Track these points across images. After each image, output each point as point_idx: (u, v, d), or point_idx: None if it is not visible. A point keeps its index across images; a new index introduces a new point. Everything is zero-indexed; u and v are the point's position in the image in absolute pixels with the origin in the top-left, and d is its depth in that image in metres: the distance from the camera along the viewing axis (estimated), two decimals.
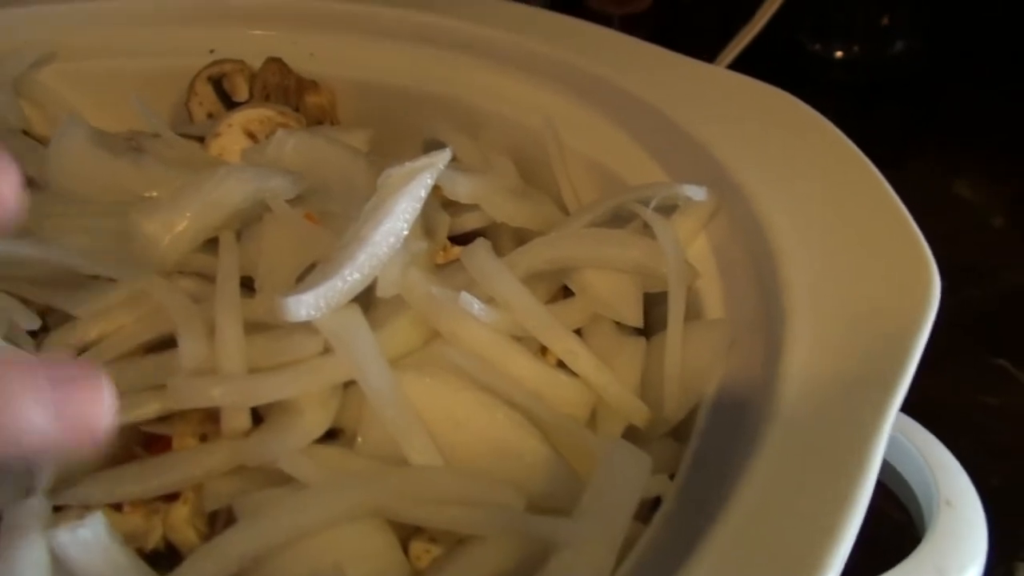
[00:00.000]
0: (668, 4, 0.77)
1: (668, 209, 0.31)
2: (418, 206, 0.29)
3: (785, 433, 0.23)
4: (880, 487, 0.33)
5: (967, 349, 0.56)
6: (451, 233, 0.32)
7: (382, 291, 0.28)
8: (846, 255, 0.28)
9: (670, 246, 0.29)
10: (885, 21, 0.75)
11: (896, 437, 0.31)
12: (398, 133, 0.38)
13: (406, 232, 0.28)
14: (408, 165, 0.29)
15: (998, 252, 0.61)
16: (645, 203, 0.31)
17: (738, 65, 0.62)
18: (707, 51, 0.62)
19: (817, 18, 0.76)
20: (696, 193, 0.30)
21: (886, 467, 0.32)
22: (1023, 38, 0.78)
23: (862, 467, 0.22)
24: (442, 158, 0.30)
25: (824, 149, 0.31)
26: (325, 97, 0.39)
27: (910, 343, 0.25)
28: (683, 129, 0.33)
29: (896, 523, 0.34)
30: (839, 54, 0.75)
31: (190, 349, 0.27)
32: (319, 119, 0.38)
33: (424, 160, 0.29)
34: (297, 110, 0.38)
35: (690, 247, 0.31)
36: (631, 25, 0.76)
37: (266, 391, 0.26)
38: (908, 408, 0.53)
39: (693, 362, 0.28)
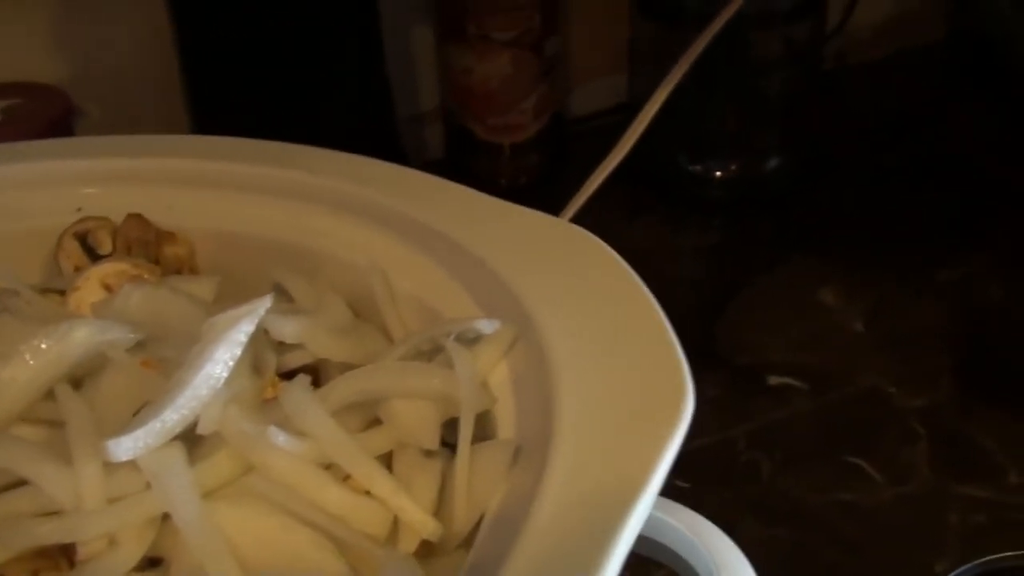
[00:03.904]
0: (555, 130, 0.81)
1: (475, 340, 0.35)
2: (238, 351, 0.32)
3: (535, 543, 0.27)
4: None
5: (825, 448, 0.60)
6: (281, 370, 0.36)
7: (202, 429, 0.31)
8: (613, 377, 0.31)
9: (464, 375, 0.33)
10: (757, 142, 0.80)
11: (687, 536, 0.34)
12: (251, 278, 0.41)
13: (225, 375, 0.32)
14: (230, 313, 0.33)
15: (855, 356, 0.65)
16: (450, 335, 0.34)
17: (622, 187, 0.66)
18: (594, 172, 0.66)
19: (696, 142, 0.81)
20: (487, 326, 0.34)
21: (683, 564, 0.35)
22: (881, 155, 0.83)
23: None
24: (262, 305, 0.33)
25: (608, 280, 0.35)
26: (183, 247, 0.42)
27: (656, 456, 0.28)
28: (490, 267, 0.36)
29: None
30: (718, 174, 0.81)
31: (53, 488, 0.30)
32: (177, 268, 0.42)
33: (245, 308, 0.33)
34: (157, 261, 0.42)
35: (492, 374, 0.34)
36: (520, 152, 0.81)
37: (90, 527, 0.29)
38: (769, 505, 0.56)
39: (480, 479, 0.31)
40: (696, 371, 0.65)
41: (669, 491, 0.61)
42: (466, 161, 0.81)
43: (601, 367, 0.32)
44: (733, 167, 0.80)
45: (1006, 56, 0.84)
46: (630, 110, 0.77)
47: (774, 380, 0.64)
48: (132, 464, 0.30)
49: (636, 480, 0.28)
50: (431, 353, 0.36)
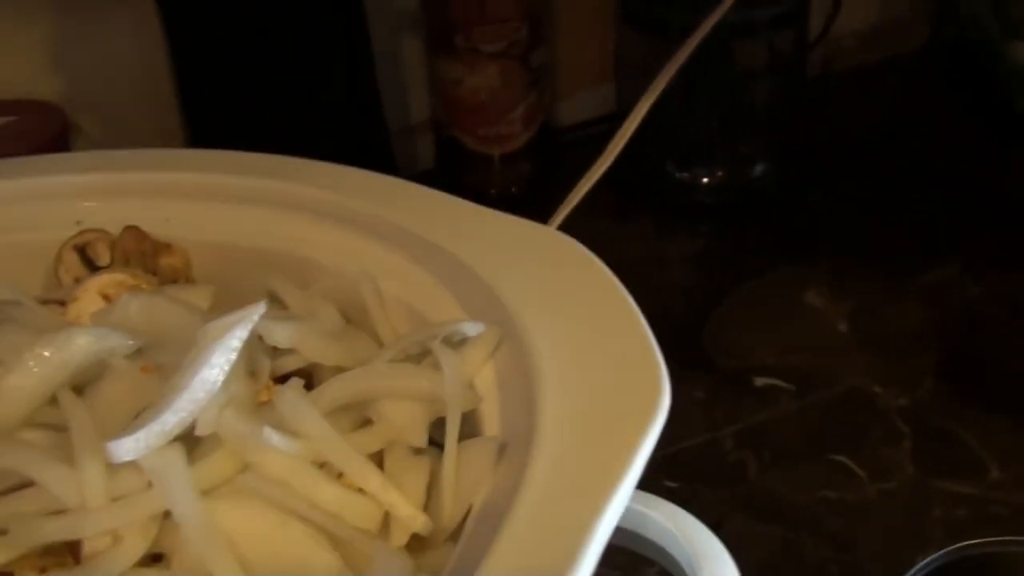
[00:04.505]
0: (545, 140, 0.83)
1: (461, 342, 0.36)
2: (233, 356, 0.33)
3: (517, 533, 0.28)
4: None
5: (811, 447, 0.61)
6: (275, 374, 0.37)
7: (200, 430, 0.32)
8: (594, 376, 0.33)
9: (450, 375, 0.34)
10: (744, 149, 0.81)
11: (667, 528, 0.35)
12: (247, 288, 0.42)
13: (221, 379, 0.33)
14: (225, 319, 0.34)
15: (840, 356, 0.66)
16: (437, 338, 0.36)
17: (611, 195, 0.67)
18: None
19: (683, 150, 0.82)
20: (471, 329, 0.35)
21: (665, 555, 0.36)
22: (867, 160, 0.85)
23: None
24: (256, 312, 0.35)
25: (589, 283, 0.36)
26: (179, 258, 0.43)
27: (632, 450, 0.30)
28: (476, 272, 0.38)
29: None
30: (705, 180, 0.82)
31: (58, 488, 0.32)
32: (173, 279, 0.43)
33: (238, 314, 0.34)
34: (154, 272, 0.43)
35: (478, 375, 0.36)
36: (511, 162, 0.82)
37: (94, 524, 0.31)
38: (756, 503, 0.57)
39: (466, 475, 0.32)
40: (684, 374, 0.67)
41: (658, 490, 0.62)
42: (457, 172, 0.82)
43: (582, 367, 0.33)
44: (720, 174, 0.81)
45: (988, 62, 0.85)
46: (619, 119, 0.79)
47: (760, 382, 0.65)
48: (134, 464, 0.31)
49: (613, 473, 0.29)
50: (419, 356, 0.37)
